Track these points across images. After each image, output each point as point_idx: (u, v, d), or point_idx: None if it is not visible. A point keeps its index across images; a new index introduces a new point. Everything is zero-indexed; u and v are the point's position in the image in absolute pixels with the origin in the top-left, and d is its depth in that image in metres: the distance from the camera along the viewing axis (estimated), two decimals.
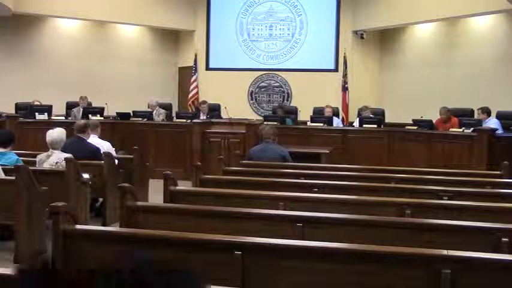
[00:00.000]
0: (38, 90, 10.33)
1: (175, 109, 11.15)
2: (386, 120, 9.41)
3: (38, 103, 9.21)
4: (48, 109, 8.82)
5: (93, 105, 9.72)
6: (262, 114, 10.68)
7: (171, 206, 3.56)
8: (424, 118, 8.34)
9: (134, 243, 2.60)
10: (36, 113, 8.67)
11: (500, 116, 8.05)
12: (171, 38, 12.69)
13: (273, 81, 11.80)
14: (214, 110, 9.94)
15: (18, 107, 9.75)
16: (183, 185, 4.56)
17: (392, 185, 4.58)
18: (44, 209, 4.44)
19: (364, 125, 8.74)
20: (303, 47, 11.61)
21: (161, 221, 3.17)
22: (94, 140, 6.16)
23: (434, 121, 8.31)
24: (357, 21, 11.28)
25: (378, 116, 9.28)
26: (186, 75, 12.24)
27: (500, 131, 7.56)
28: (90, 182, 5.29)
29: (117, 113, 9.34)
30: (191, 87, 11.74)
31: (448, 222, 2.95)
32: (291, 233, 2.86)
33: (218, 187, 4.38)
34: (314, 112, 9.72)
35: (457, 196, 3.96)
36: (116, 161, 6.03)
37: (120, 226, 3.22)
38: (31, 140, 7.76)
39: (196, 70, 11.81)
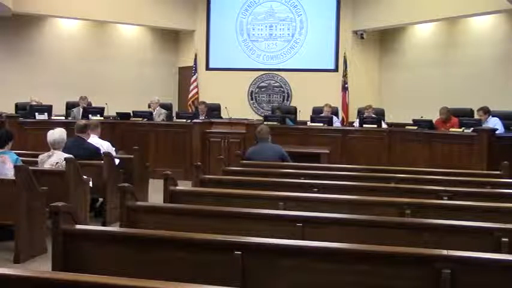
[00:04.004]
0: (38, 90, 10.32)
1: (175, 109, 11.15)
2: (386, 120, 9.41)
3: (35, 102, 9.19)
4: (48, 109, 8.81)
5: (93, 105, 9.71)
6: (262, 114, 10.68)
7: (171, 206, 3.56)
8: (424, 118, 8.34)
9: (134, 243, 2.60)
10: (36, 113, 8.67)
11: (499, 116, 8.03)
12: (171, 38, 12.70)
13: (273, 81, 11.80)
14: (214, 110, 9.93)
15: (18, 107, 9.77)
16: (183, 185, 4.56)
17: (392, 185, 4.58)
18: (44, 209, 4.45)
19: (364, 125, 8.74)
20: (303, 47, 11.62)
21: (161, 221, 3.17)
22: (94, 140, 6.16)
23: (434, 121, 8.30)
24: (357, 21, 11.28)
25: (379, 116, 9.27)
26: (186, 75, 12.24)
27: (501, 130, 7.56)
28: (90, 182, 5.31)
29: (117, 113, 9.34)
30: (191, 87, 11.74)
31: (448, 222, 2.95)
32: (291, 233, 2.85)
33: (218, 187, 4.38)
34: (314, 112, 9.73)
35: (457, 196, 3.96)
36: (116, 161, 6.04)
37: (120, 226, 3.22)
38: (31, 140, 7.77)
39: (196, 70, 11.82)
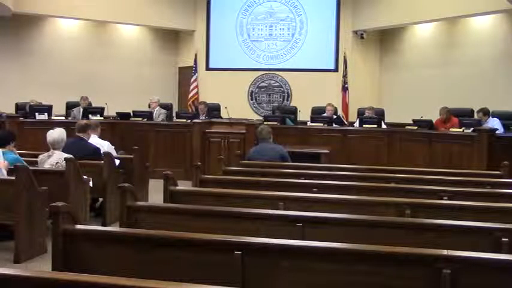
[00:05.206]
0: (38, 90, 10.33)
1: (175, 109, 11.15)
2: (386, 120, 9.41)
3: (33, 103, 9.18)
4: (48, 109, 8.81)
5: (93, 105, 9.71)
6: (262, 114, 10.68)
7: (171, 206, 3.55)
8: (424, 118, 8.34)
9: (134, 243, 2.60)
10: (36, 113, 8.67)
11: (499, 116, 8.04)
12: (171, 38, 12.70)
13: (273, 81, 11.80)
14: (214, 110, 9.93)
15: (18, 107, 9.77)
16: (183, 185, 4.56)
17: (392, 185, 4.58)
18: (44, 209, 4.45)
19: (364, 125, 8.74)
20: (303, 47, 11.62)
21: (161, 221, 3.17)
22: (94, 140, 6.16)
23: (434, 121, 8.31)
24: (357, 21, 11.28)
25: (379, 116, 9.26)
26: (186, 75, 12.24)
27: (501, 130, 7.57)
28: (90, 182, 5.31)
29: (117, 113, 9.34)
30: (191, 87, 11.74)
31: (448, 222, 2.95)
32: (291, 233, 2.85)
33: (218, 187, 4.38)
34: (313, 111, 9.74)
35: (457, 196, 3.96)
36: (116, 161, 6.03)
37: (120, 226, 3.22)
38: (31, 140, 7.76)
39: (196, 70, 11.82)
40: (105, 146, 6.21)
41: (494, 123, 7.72)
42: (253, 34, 11.85)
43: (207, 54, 12.02)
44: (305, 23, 11.61)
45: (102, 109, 9.15)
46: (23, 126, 8.33)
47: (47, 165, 5.23)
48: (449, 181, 4.67)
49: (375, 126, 8.67)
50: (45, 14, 10.89)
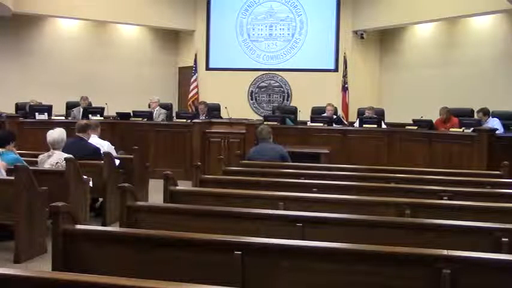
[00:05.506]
0: (38, 90, 10.34)
1: (175, 109, 11.15)
2: (386, 120, 9.41)
3: (33, 103, 9.18)
4: (48, 109, 8.81)
5: (93, 105, 9.71)
6: (262, 114, 10.68)
7: (171, 206, 3.56)
8: (424, 118, 8.34)
9: (134, 243, 2.60)
10: (36, 113, 8.67)
11: (499, 116, 8.04)
12: (171, 38, 12.70)
13: (273, 81, 11.80)
14: (214, 110, 9.93)
15: (18, 107, 9.77)
16: (183, 185, 4.56)
17: (392, 185, 4.58)
18: (44, 209, 4.45)
19: (364, 125, 8.74)
20: (303, 47, 11.62)
21: (161, 221, 3.17)
22: (94, 140, 6.16)
23: (434, 121, 8.31)
24: (357, 21, 11.28)
25: (379, 116, 9.26)
26: (186, 75, 12.24)
27: (501, 130, 7.57)
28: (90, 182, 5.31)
29: (117, 113, 9.34)
30: (191, 87, 11.75)
31: (448, 222, 2.95)
32: (291, 233, 2.85)
33: (218, 187, 4.38)
34: (313, 111, 9.74)
35: (457, 196, 3.96)
36: (116, 161, 6.03)
37: (120, 226, 3.22)
38: (31, 140, 7.76)
39: (196, 70, 11.82)
40: (105, 146, 6.21)
41: (494, 123, 7.72)
42: (253, 34, 11.86)
43: (207, 54, 12.02)
44: (305, 23, 11.61)
45: (102, 109, 9.15)
46: (23, 126, 8.32)
47: (47, 165, 5.23)
48: (449, 181, 4.67)
49: (375, 126, 8.67)
50: (45, 14, 10.89)
